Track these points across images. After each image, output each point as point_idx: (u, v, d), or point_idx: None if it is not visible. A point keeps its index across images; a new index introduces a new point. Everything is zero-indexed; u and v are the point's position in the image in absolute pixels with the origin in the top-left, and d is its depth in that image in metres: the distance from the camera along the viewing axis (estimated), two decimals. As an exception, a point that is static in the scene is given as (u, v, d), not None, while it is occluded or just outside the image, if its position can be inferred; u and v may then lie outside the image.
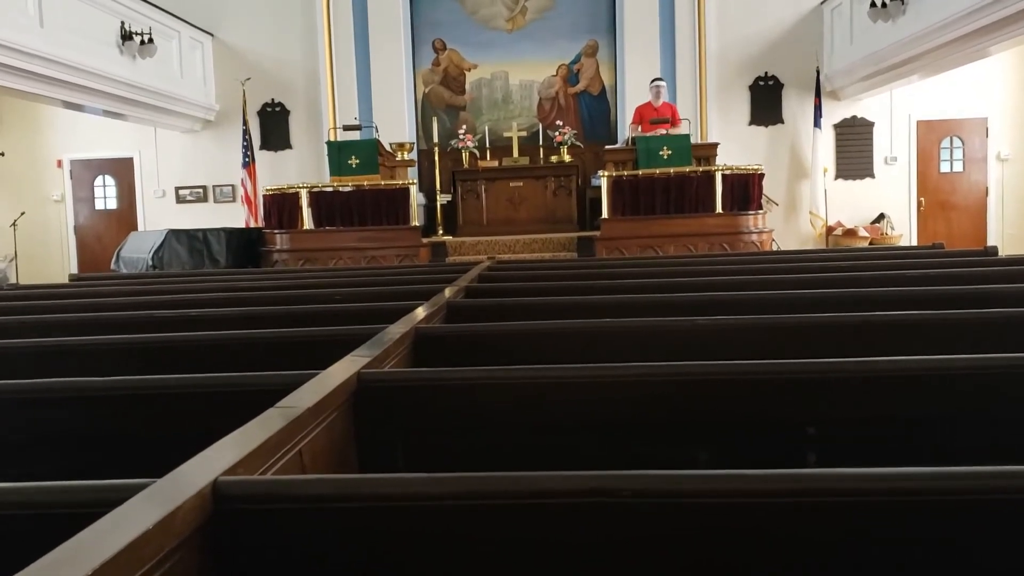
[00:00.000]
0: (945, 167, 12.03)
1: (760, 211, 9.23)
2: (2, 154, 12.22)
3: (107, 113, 10.56)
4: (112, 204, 12.70)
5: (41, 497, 1.18)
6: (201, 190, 12.47)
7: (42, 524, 1.13)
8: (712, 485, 1.13)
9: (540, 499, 1.12)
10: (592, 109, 12.14)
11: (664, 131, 9.47)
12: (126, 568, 0.92)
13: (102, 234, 12.56)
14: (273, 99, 12.23)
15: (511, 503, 1.13)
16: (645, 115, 9.83)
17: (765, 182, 9.58)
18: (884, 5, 9.36)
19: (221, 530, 1.13)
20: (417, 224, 9.38)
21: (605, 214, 9.06)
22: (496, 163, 11.21)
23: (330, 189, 9.38)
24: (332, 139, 10.49)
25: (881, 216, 11.80)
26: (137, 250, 9.13)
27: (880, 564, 1.12)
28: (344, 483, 1.24)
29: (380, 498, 1.15)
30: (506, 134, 11.48)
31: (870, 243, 11.19)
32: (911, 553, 1.12)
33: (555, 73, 12.08)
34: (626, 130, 10.73)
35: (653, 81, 10.16)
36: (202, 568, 1.09)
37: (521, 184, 10.77)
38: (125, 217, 12.52)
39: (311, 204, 9.26)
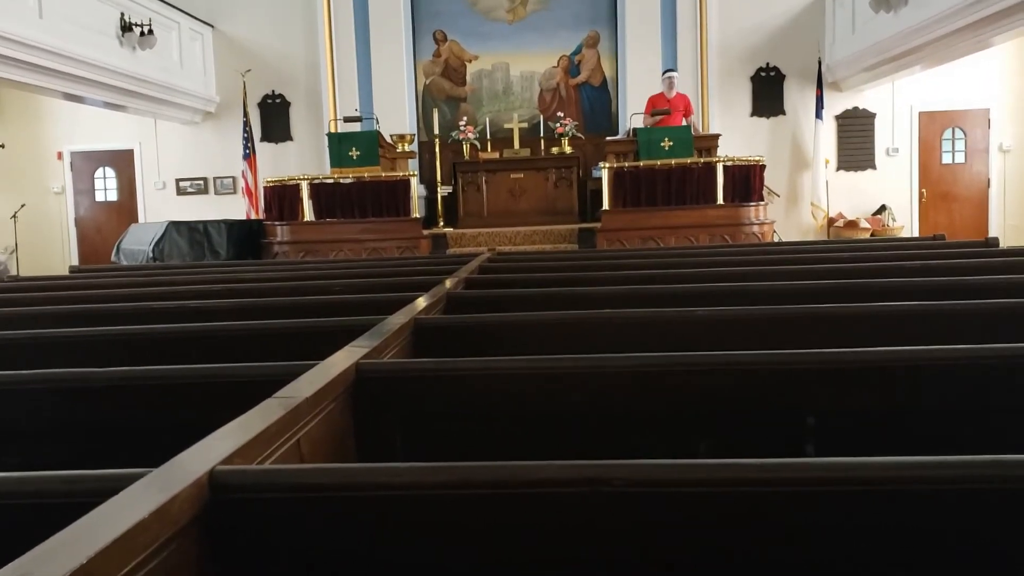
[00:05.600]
0: (947, 158, 12.01)
1: (761, 202, 9.22)
2: (2, 146, 12.22)
3: (107, 105, 10.56)
4: (112, 196, 12.71)
5: (40, 486, 1.18)
6: (202, 182, 12.47)
7: (40, 513, 1.14)
8: (707, 475, 1.13)
9: (535, 488, 1.12)
10: (593, 100, 12.11)
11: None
12: (122, 556, 0.92)
13: (102, 226, 12.56)
14: (274, 91, 12.22)
15: (506, 492, 1.13)
16: (657, 105, 9.83)
17: (766, 173, 9.57)
18: (886, -5, 9.33)
19: (218, 519, 1.13)
20: (418, 216, 9.38)
21: (606, 206, 9.05)
22: (497, 155, 11.20)
23: (331, 181, 9.37)
24: (333, 131, 10.48)
25: (883, 207, 11.78)
26: (137, 242, 9.13)
27: (876, 553, 1.12)
28: (341, 472, 1.24)
29: (377, 487, 1.15)
30: (507, 125, 11.47)
31: (871, 234, 11.19)
32: (907, 542, 1.12)
33: (556, 64, 12.05)
34: (627, 121, 10.72)
35: (665, 72, 10.15)
36: (199, 556, 1.09)
37: (522, 176, 10.77)
38: (125, 209, 12.53)
39: (312, 196, 9.26)
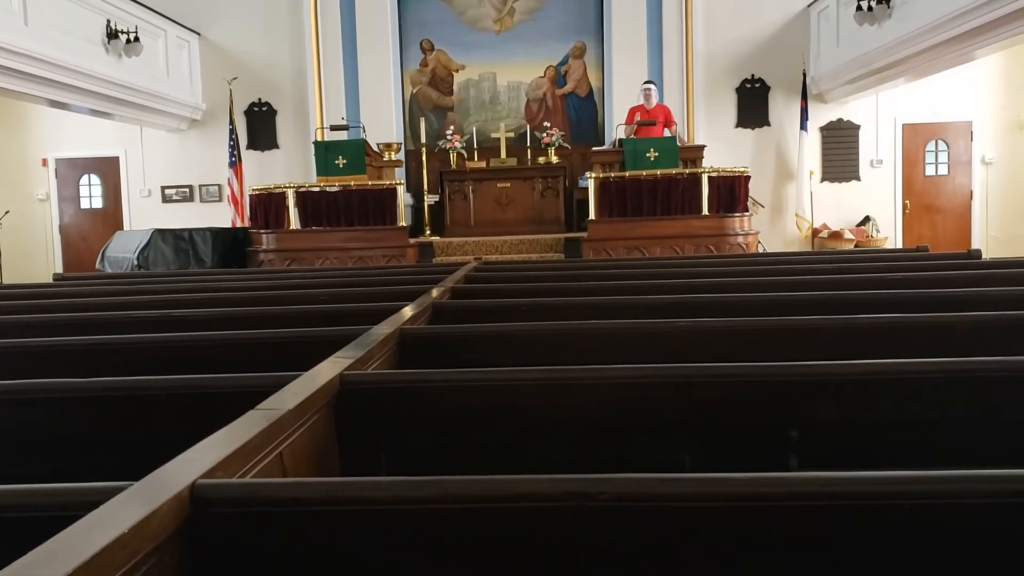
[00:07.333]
0: (930, 170, 12.10)
1: (746, 213, 9.25)
2: (-14, 152, 12.15)
3: (93, 112, 10.50)
4: (97, 203, 12.63)
5: (19, 500, 1.17)
6: (187, 189, 12.42)
7: (19, 527, 1.12)
8: (690, 489, 1.13)
9: (518, 503, 1.12)
10: (579, 111, 12.14)
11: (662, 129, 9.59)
12: (102, 570, 0.92)
13: (87, 233, 12.48)
14: (260, 99, 12.19)
15: (489, 507, 1.12)
16: (638, 116, 9.87)
17: (751, 184, 9.61)
18: (870, 8, 9.41)
19: (199, 533, 1.12)
20: (404, 224, 9.37)
21: (592, 215, 9.06)
22: (484, 164, 11.22)
23: (317, 189, 9.35)
24: (319, 139, 10.46)
25: (866, 219, 11.85)
26: (122, 250, 9.07)
27: (861, 567, 1.13)
28: (323, 486, 1.23)
29: (359, 501, 1.14)
30: (494, 135, 11.49)
31: (855, 245, 11.25)
32: (892, 556, 1.12)
33: (543, 74, 12.08)
34: (613, 132, 10.75)
35: (643, 84, 10.20)
36: (179, 571, 1.08)
37: (508, 185, 10.79)
38: (110, 216, 12.46)
39: (298, 204, 9.24)
